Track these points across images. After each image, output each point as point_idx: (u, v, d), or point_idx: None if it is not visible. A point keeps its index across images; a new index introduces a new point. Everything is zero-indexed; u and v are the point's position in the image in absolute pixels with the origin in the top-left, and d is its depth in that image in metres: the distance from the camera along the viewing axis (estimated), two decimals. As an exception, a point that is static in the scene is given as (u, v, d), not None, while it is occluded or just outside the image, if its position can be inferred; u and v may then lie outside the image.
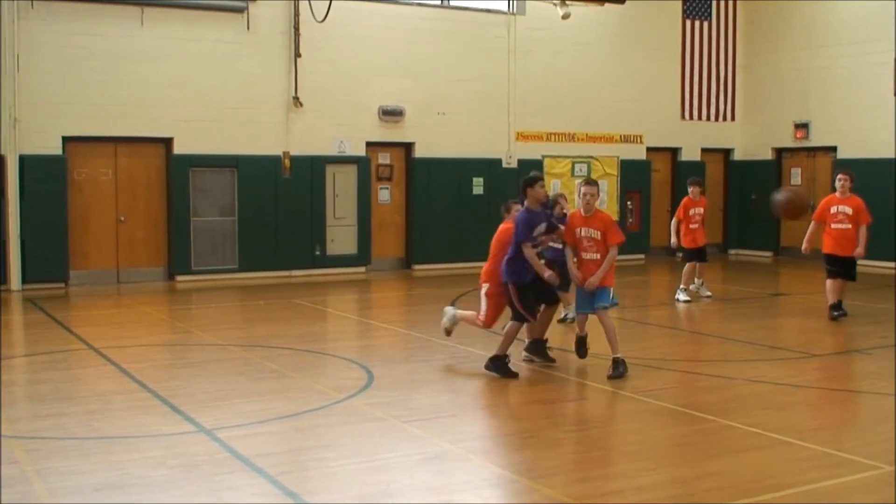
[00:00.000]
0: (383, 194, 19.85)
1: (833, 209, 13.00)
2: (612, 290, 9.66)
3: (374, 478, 6.40)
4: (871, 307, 14.19)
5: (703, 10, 23.18)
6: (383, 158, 19.84)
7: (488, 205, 19.94)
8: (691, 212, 15.07)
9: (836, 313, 12.88)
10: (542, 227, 9.59)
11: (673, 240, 15.33)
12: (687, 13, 22.96)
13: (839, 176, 13.25)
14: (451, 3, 20.29)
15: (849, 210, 12.90)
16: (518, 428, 7.81)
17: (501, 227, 10.15)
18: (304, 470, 6.57)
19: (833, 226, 12.97)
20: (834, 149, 21.53)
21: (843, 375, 10.24)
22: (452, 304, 11.88)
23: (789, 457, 6.94)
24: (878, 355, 10.84)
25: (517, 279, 9.43)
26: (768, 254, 22.54)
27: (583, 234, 9.60)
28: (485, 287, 10.06)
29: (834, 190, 13.55)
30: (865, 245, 12.83)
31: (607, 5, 20.44)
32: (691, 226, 15.05)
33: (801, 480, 6.35)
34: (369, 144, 19.42)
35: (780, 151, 23.18)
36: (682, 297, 14.81)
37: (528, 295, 9.46)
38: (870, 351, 11.02)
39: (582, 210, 9.74)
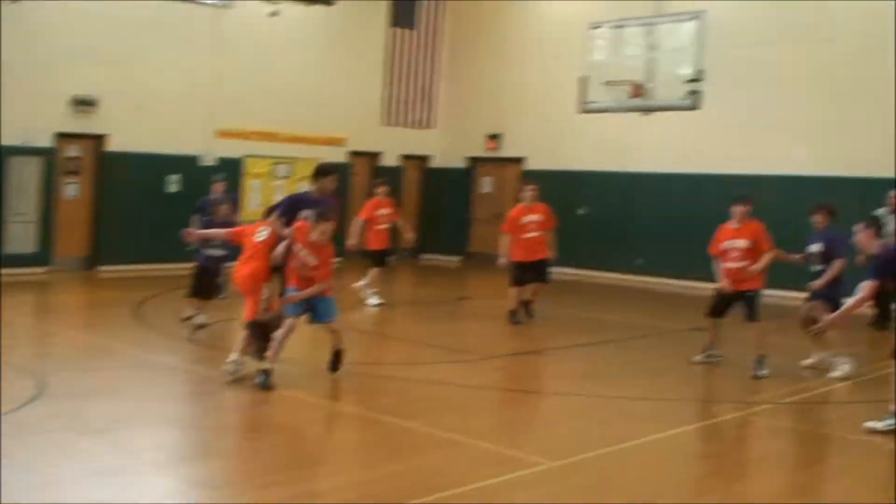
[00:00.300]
0: (70, 189, 18.78)
1: (524, 219, 13.62)
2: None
3: (42, 494, 6.04)
4: (556, 311, 14.94)
5: (408, 18, 23.67)
6: (72, 151, 18.80)
7: (185, 203, 19.36)
8: (378, 212, 15.12)
9: (517, 319, 13.48)
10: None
11: (352, 240, 15.12)
12: (393, 21, 23.37)
13: (528, 186, 13.95)
14: (157, -9, 19.52)
15: (539, 217, 13.61)
16: (198, 438, 7.65)
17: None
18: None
19: (525, 235, 13.59)
20: (523, 160, 22.70)
21: (521, 376, 10.80)
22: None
23: (464, 456, 7.24)
24: (553, 356, 11.53)
25: None
26: (456, 258, 23.40)
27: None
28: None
29: (519, 201, 14.21)
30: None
31: (315, 6, 20.49)
32: (379, 227, 15.12)
33: (472, 478, 6.62)
34: (59, 136, 18.32)
35: (473, 160, 24.15)
36: (374, 301, 14.98)
37: None
38: (546, 352, 11.69)
39: None
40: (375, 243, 15.17)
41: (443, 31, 24.31)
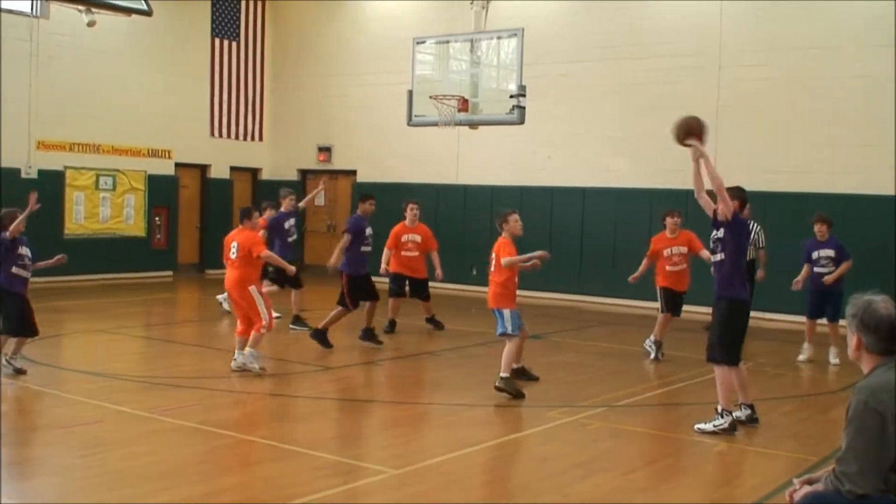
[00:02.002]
0: None
1: (404, 237, 14.03)
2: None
3: None
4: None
5: (231, 29, 23.45)
6: None
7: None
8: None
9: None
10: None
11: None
12: (215, 32, 23.09)
13: (410, 205, 14.19)
14: (-32, 0, 18.70)
15: (418, 238, 14.02)
16: (27, 456, 7.39)
17: (244, 234, 10.57)
18: None
19: (404, 253, 13.97)
20: (354, 172, 22.81)
21: (360, 386, 10.88)
22: None
23: (304, 466, 7.24)
24: (388, 366, 11.65)
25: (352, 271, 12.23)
26: (293, 271, 23.29)
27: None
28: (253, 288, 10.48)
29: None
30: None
31: (135, 16, 20.00)
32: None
33: (314, 489, 6.63)
34: None
35: (304, 173, 24.09)
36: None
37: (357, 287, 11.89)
38: (381, 362, 11.80)
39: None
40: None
41: (265, 42, 24.17)
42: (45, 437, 8.00)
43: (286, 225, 14.42)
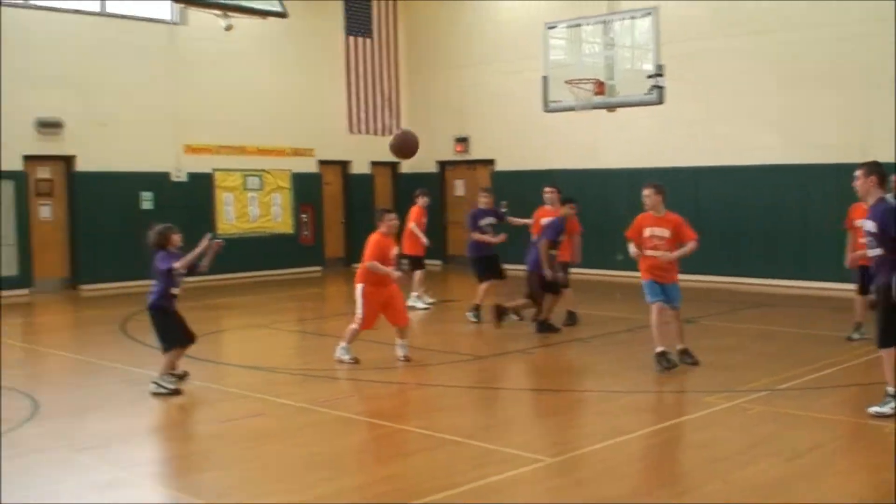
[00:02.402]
0: (44, 211, 18.70)
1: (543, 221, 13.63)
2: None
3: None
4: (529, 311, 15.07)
5: (364, 27, 23.72)
6: (42, 173, 18.72)
7: (158, 220, 19.26)
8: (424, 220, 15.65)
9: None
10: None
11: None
12: (349, 30, 23.40)
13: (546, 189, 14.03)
14: (111, 11, 19.51)
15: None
16: (194, 449, 7.67)
17: (375, 235, 10.70)
18: (-38, 510, 6.10)
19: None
20: (492, 161, 22.83)
21: (512, 375, 10.88)
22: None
23: (460, 456, 7.28)
24: (539, 354, 11.62)
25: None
26: (437, 262, 23.49)
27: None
28: (359, 287, 10.60)
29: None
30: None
31: (270, 19, 20.47)
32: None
33: (472, 477, 6.65)
34: (27, 158, 18.26)
35: (443, 164, 24.26)
36: (421, 304, 15.25)
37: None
38: (531, 351, 11.78)
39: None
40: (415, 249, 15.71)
41: (398, 38, 24.39)
42: (209, 430, 8.27)
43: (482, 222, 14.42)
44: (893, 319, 7.86)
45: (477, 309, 13.74)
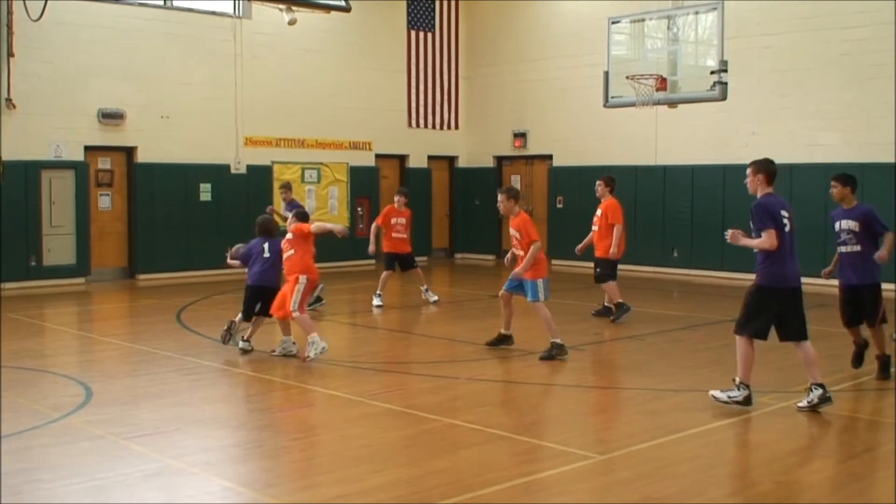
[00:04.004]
0: (104, 201, 19.01)
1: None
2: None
3: (92, 498, 6.12)
4: (581, 306, 15.03)
5: (426, 21, 23.81)
6: (103, 163, 19.02)
7: (217, 211, 19.60)
8: (392, 221, 15.32)
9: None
10: None
11: (371, 247, 15.41)
12: (411, 24, 23.51)
13: (598, 182, 14.33)
14: (175, 4, 19.75)
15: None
16: (244, 438, 7.71)
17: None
18: (17, 494, 6.17)
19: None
20: (550, 157, 22.71)
21: (558, 371, 10.79)
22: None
23: (509, 451, 7.25)
24: (589, 351, 11.53)
25: None
26: (491, 257, 23.44)
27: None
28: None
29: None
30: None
31: (333, 13, 20.58)
32: (393, 234, 15.34)
33: (518, 473, 6.63)
34: (88, 149, 18.56)
35: (500, 159, 24.21)
36: (376, 301, 15.14)
37: None
38: (582, 347, 11.69)
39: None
40: (389, 248, 15.52)
41: (459, 32, 24.41)
42: (260, 420, 8.32)
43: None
44: (761, 311, 8.23)
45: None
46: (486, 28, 24.22)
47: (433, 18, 23.98)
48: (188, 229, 19.36)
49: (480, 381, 9.77)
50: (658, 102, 15.89)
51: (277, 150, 21.18)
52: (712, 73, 14.88)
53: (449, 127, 24.52)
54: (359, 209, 22.59)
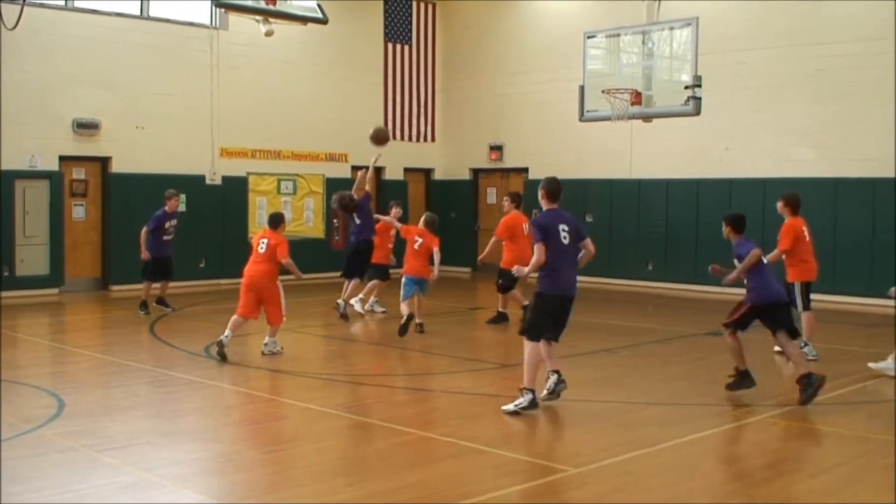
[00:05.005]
0: (78, 211, 18.89)
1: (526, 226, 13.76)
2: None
3: (63, 511, 6.09)
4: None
5: (403, 34, 23.86)
6: (78, 173, 18.91)
7: (192, 222, 19.50)
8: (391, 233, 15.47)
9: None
10: None
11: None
12: (388, 36, 23.55)
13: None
14: (152, 15, 19.69)
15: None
16: (217, 452, 7.67)
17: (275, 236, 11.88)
18: (-16, 507, 6.14)
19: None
20: (526, 170, 22.78)
21: (537, 383, 10.80)
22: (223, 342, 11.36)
23: (484, 464, 7.24)
24: (564, 364, 11.53)
25: None
26: (467, 269, 23.46)
27: None
28: None
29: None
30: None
31: (310, 25, 20.54)
32: (390, 245, 15.55)
33: (492, 487, 6.61)
34: (63, 159, 18.45)
35: (476, 172, 24.27)
36: (357, 307, 15.34)
37: None
38: (562, 359, 11.67)
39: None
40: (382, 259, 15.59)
41: (436, 45, 24.49)
42: (235, 433, 8.29)
43: (167, 224, 15.58)
44: (542, 315, 8.87)
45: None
46: (463, 41, 24.31)
47: (410, 31, 24.05)
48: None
49: (455, 393, 9.77)
50: (633, 117, 15.99)
51: (253, 161, 21.13)
52: (686, 87, 14.99)
53: (425, 139, 24.55)
54: (334, 221, 22.53)
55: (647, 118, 16.61)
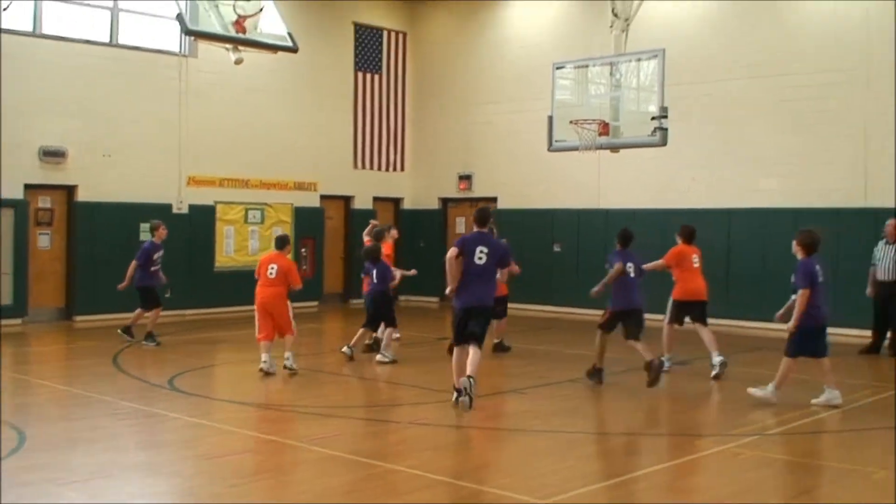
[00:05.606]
0: (43, 240, 18.70)
1: None
2: None
3: (20, 547, 5.97)
4: (535, 349, 15.09)
5: (374, 63, 23.94)
6: (43, 202, 18.74)
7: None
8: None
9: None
10: None
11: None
12: (359, 66, 23.62)
13: None
14: (121, 42, 19.63)
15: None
16: (179, 486, 7.57)
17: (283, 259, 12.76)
18: (-61, 544, 6.01)
19: None
20: (495, 199, 22.84)
21: (501, 415, 10.79)
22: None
23: (449, 497, 7.21)
24: (531, 394, 11.53)
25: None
26: (435, 299, 23.41)
27: None
28: None
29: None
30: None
31: (280, 53, 20.52)
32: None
33: (459, 520, 6.59)
34: (28, 187, 18.28)
35: (445, 201, 24.30)
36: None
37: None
38: (524, 391, 11.69)
39: None
40: None
41: (406, 75, 24.60)
42: (196, 467, 8.17)
43: (155, 256, 15.43)
44: (458, 324, 10.26)
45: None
46: (433, 71, 24.41)
47: (380, 60, 24.13)
48: (127, 270, 18.98)
49: (422, 425, 9.72)
50: (601, 147, 16.07)
51: (221, 189, 21.03)
52: (653, 118, 15.10)
53: (395, 168, 24.59)
54: (303, 250, 22.47)
55: (614, 149, 16.71)
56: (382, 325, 14.12)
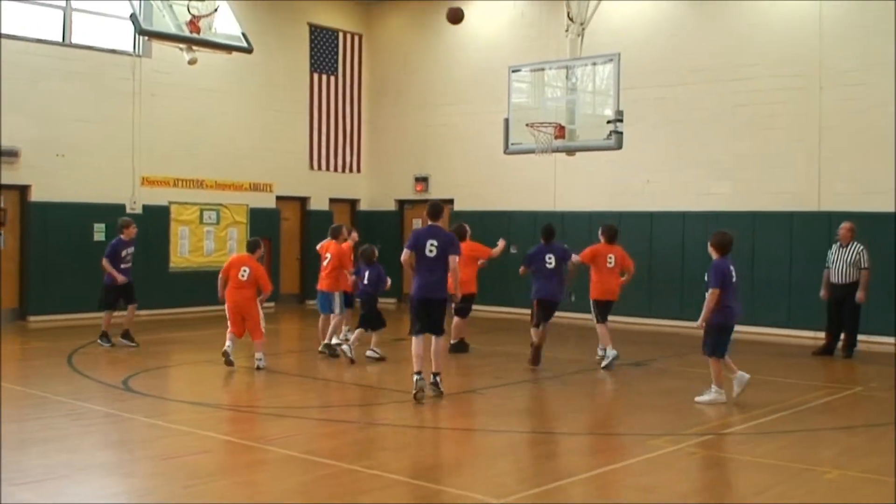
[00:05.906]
0: (-5, 241, 18.51)
1: None
2: None
3: (-26, 549, 5.92)
4: (492, 350, 15.16)
5: (329, 64, 23.91)
6: (-5, 202, 18.53)
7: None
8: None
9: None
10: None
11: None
12: (314, 67, 23.59)
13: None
14: (74, 41, 19.43)
15: None
16: (135, 486, 7.53)
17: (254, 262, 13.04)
18: None
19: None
20: (451, 201, 22.90)
21: (458, 415, 10.84)
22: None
23: (407, 496, 7.23)
24: (489, 394, 11.60)
25: None
26: (392, 300, 23.43)
27: None
28: None
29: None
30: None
31: (235, 54, 20.43)
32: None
33: (415, 519, 6.62)
34: (-21, 187, 18.08)
35: (402, 203, 24.33)
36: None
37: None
38: (482, 391, 11.76)
39: None
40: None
41: (363, 76, 24.60)
42: (152, 467, 8.13)
43: (123, 252, 15.23)
44: (415, 315, 10.87)
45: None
46: (389, 73, 24.44)
47: (336, 61, 24.11)
48: (81, 270, 18.83)
49: (379, 425, 9.75)
50: (557, 150, 16.18)
51: (175, 190, 20.88)
52: (609, 122, 15.23)
53: (351, 170, 24.58)
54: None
55: (570, 152, 16.83)
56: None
